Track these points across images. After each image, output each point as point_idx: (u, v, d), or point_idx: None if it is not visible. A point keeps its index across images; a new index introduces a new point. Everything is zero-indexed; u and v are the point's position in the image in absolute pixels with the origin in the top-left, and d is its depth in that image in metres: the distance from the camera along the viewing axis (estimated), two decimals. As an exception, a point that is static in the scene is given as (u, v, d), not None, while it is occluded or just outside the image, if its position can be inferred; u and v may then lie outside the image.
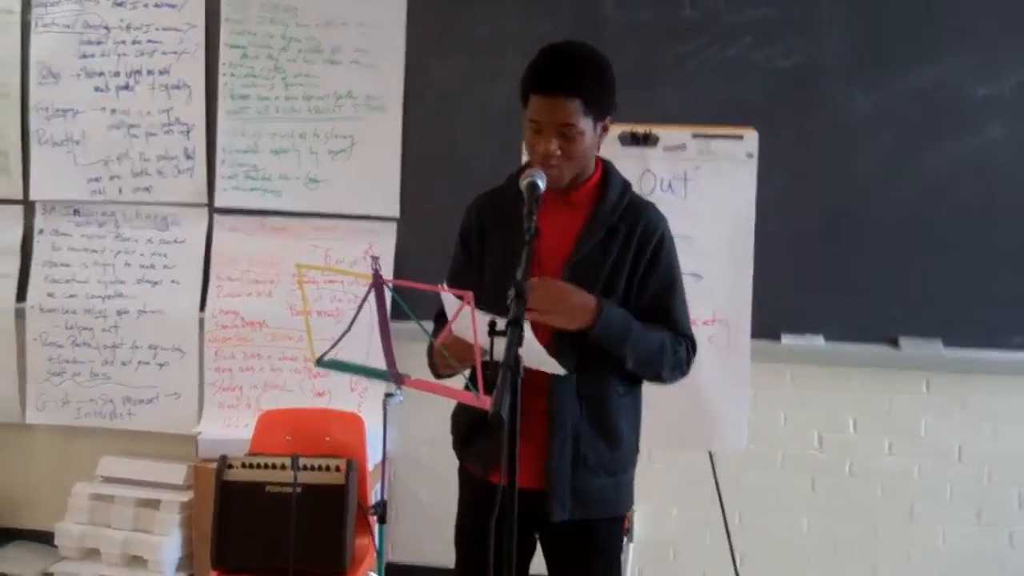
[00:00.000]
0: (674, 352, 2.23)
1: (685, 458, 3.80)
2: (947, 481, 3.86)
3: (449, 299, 1.97)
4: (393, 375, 1.96)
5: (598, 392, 2.22)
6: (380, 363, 2.03)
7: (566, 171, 2.16)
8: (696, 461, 3.68)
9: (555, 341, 2.12)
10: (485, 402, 1.75)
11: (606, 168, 2.29)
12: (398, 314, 1.94)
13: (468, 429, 2.31)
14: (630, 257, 2.21)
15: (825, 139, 3.74)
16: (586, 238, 2.20)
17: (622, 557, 2.53)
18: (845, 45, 3.71)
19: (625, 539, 3.77)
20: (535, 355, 1.96)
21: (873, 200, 3.73)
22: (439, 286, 1.96)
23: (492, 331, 1.80)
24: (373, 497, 3.67)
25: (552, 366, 2.03)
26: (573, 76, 2.09)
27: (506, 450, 1.81)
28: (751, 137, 3.42)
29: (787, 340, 3.77)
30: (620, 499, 2.32)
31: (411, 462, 4.06)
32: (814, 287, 3.75)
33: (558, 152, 2.11)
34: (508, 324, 1.76)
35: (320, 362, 1.97)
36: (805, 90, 3.73)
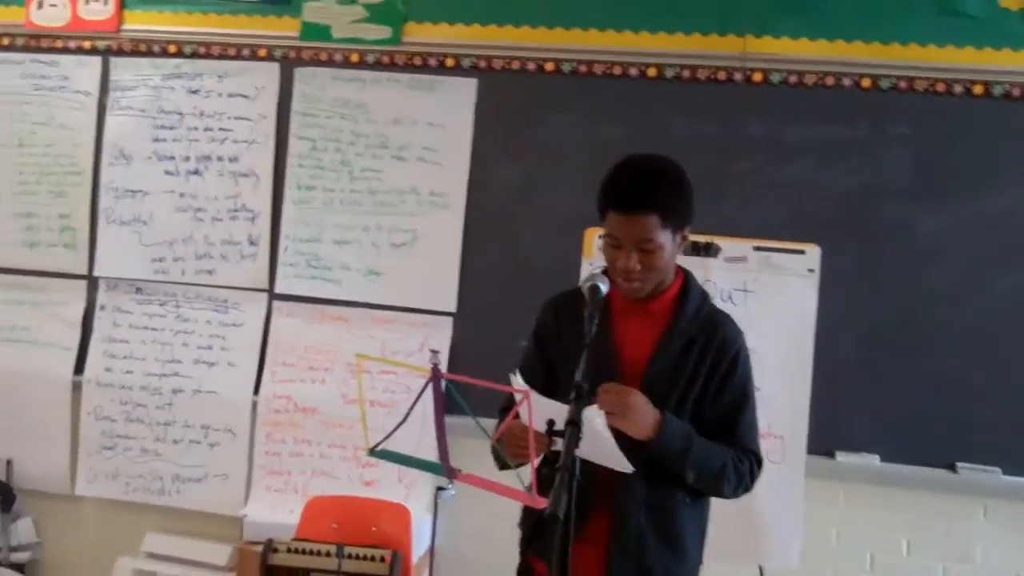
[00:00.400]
0: (736, 471, 2.22)
1: (731, 571, 3.74)
2: (1003, 610, 3.77)
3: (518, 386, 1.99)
4: (446, 469, 1.96)
5: (665, 501, 2.22)
6: (430, 456, 2.05)
7: (647, 284, 2.18)
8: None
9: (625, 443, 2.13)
10: (538, 502, 1.76)
11: (686, 278, 2.30)
12: (451, 408, 1.94)
13: (536, 526, 2.28)
14: (704, 370, 2.21)
15: (887, 260, 3.72)
16: (663, 350, 2.21)
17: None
18: (910, 168, 3.71)
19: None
20: (604, 449, 1.96)
21: (935, 323, 3.69)
22: (512, 381, 1.97)
23: (551, 431, 1.80)
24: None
25: (619, 462, 2.02)
26: (650, 192, 2.11)
27: (558, 549, 1.81)
28: (813, 252, 3.43)
29: (842, 458, 3.72)
30: None
31: (455, 557, 4.00)
32: (872, 406, 3.70)
33: (638, 267, 2.13)
34: (567, 424, 1.78)
35: (373, 452, 1.99)
36: (868, 210, 3.72)
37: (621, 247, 2.14)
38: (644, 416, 2.11)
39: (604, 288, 2.11)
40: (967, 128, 3.69)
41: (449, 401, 1.92)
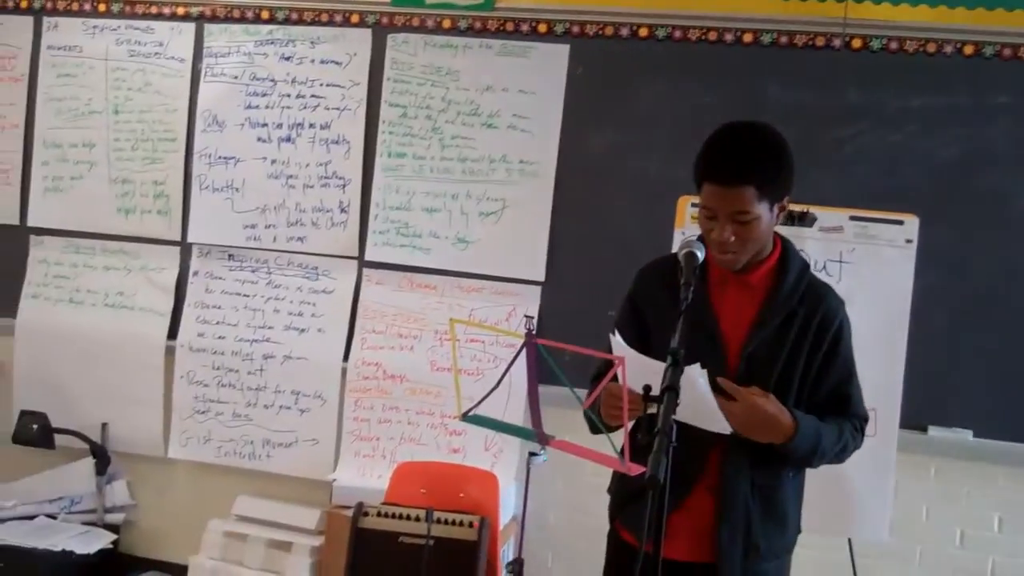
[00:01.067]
0: (853, 440, 2.24)
1: (819, 543, 3.72)
2: (1096, 588, 3.72)
3: (617, 347, 1.99)
4: (539, 434, 1.96)
5: (771, 479, 2.22)
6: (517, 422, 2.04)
7: (743, 255, 2.14)
8: (831, 547, 3.61)
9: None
10: (632, 468, 1.76)
11: (785, 248, 2.26)
12: (542, 377, 1.94)
13: (629, 493, 2.28)
14: (807, 346, 2.19)
15: (986, 232, 3.65)
16: (763, 323, 2.18)
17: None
18: (1012, 137, 3.62)
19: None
20: (704, 409, 1.95)
21: (1032, 297, 3.64)
22: (611, 340, 1.98)
23: (647, 396, 1.80)
24: (503, 556, 3.69)
25: (718, 423, 2.02)
26: (746, 164, 2.07)
27: (653, 514, 1.80)
28: (911, 223, 3.39)
29: (934, 433, 3.68)
30: None
31: (539, 525, 4.03)
32: (966, 381, 3.65)
33: (733, 239, 2.09)
34: (663, 391, 1.77)
35: (466, 417, 1.99)
36: (968, 181, 3.65)
37: (716, 218, 2.10)
38: (775, 428, 2.09)
39: (700, 255, 2.09)
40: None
41: (540, 369, 1.91)
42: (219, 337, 4.30)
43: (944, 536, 3.80)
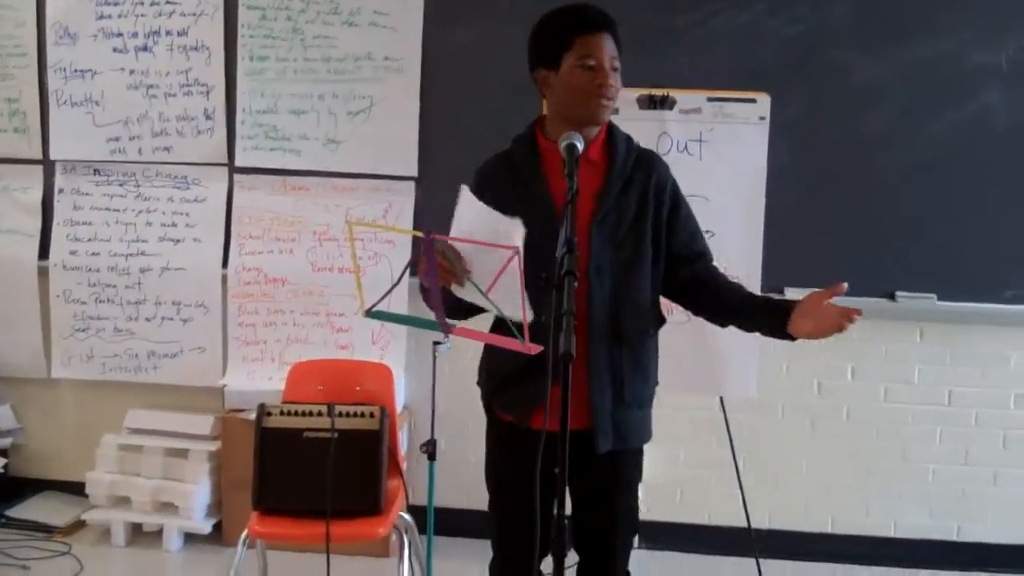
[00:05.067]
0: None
1: (692, 403, 3.98)
2: (938, 424, 4.09)
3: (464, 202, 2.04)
4: (441, 324, 2.01)
5: (638, 334, 2.34)
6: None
7: (611, 108, 2.25)
8: (702, 407, 3.89)
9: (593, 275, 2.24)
10: (530, 348, 1.83)
11: (609, 122, 2.36)
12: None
13: (503, 378, 2.38)
14: (651, 209, 2.31)
15: (830, 104, 3.86)
16: (607, 193, 2.28)
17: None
18: (852, 14, 3.82)
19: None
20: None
21: (875, 163, 3.87)
22: (461, 193, 2.02)
23: (546, 282, 1.89)
24: (402, 440, 3.82)
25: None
26: (607, 15, 2.21)
27: (556, 392, 1.86)
28: (764, 100, 3.57)
29: (791, 294, 3.92)
30: (647, 429, 2.46)
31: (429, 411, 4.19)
32: (817, 244, 3.90)
33: (616, 84, 2.21)
34: (564, 275, 1.86)
35: (370, 313, 2.03)
36: (813, 57, 3.85)
37: (595, 68, 2.18)
38: None
39: (580, 146, 2.14)
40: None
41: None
42: (92, 254, 4.24)
43: (803, 388, 4.12)
